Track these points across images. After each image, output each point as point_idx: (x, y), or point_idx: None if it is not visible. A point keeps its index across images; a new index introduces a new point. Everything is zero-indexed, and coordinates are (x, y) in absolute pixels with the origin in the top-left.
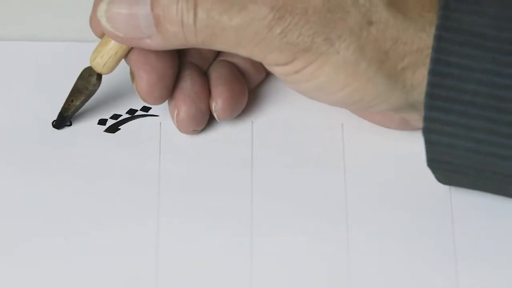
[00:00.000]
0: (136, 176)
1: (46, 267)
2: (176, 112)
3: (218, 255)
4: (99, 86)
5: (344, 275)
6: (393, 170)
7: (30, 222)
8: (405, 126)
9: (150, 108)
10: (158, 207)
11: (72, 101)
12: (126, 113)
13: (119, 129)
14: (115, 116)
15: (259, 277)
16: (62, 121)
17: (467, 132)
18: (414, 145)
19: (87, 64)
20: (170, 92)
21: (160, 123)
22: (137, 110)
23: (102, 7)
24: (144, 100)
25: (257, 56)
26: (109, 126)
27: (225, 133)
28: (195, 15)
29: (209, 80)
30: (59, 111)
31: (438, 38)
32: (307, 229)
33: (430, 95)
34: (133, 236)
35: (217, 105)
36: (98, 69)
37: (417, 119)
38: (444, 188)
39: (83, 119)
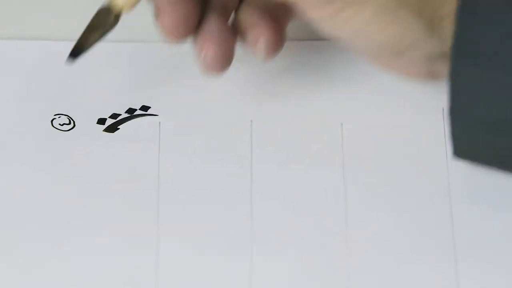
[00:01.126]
0: (135, 175)
1: (45, 267)
2: (204, 52)
3: (218, 255)
4: (116, 25)
5: (344, 275)
6: (393, 169)
7: (29, 222)
8: (430, 77)
9: (149, 107)
10: (157, 207)
11: (87, 37)
12: (125, 112)
13: (118, 128)
14: (114, 116)
15: (259, 277)
16: (76, 54)
17: (493, 83)
18: (414, 144)
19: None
20: (194, 30)
21: (159, 122)
22: (136, 110)
23: None
24: (167, 37)
25: None
26: (108, 126)
27: (224, 132)
28: None
29: (240, 22)
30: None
31: None
32: (307, 228)
33: (456, 45)
34: (133, 236)
35: (264, 38)
36: (117, 7)
37: (446, 71)
38: (444, 187)
39: (82, 118)
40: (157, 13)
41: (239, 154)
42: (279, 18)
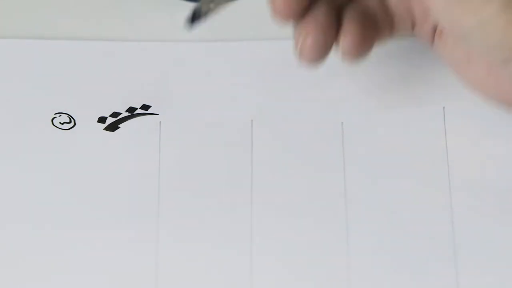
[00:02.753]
0: (135, 174)
1: (45, 266)
2: (302, 38)
3: (218, 254)
4: None
5: (344, 275)
6: (393, 169)
7: (29, 221)
8: None
9: (150, 106)
10: (157, 206)
11: (211, 3)
12: (126, 111)
13: (119, 127)
14: (114, 114)
15: (259, 277)
16: (196, 20)
17: None
18: (415, 143)
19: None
20: (303, 11)
21: (160, 122)
22: (136, 109)
23: None
24: (277, 13)
25: None
26: (108, 124)
27: (225, 131)
28: None
29: (341, 17)
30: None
31: None
32: (307, 228)
33: None
34: (133, 235)
35: (345, 39)
36: None
37: None
38: (444, 187)
39: (83, 117)
40: None
41: (239, 154)
42: (375, 25)
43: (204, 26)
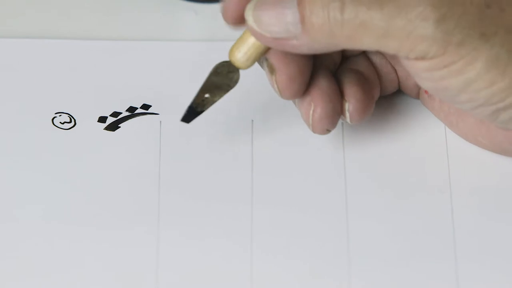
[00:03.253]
0: (136, 173)
1: (45, 265)
2: (312, 110)
3: (219, 254)
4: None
5: (344, 275)
6: (393, 168)
7: (29, 220)
8: None
9: (150, 106)
10: (158, 205)
11: (207, 96)
12: (126, 111)
13: (119, 127)
14: (115, 114)
15: (260, 277)
16: (193, 115)
17: None
18: (415, 143)
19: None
20: (306, 88)
21: (160, 121)
22: (137, 108)
23: (250, 7)
24: (281, 94)
25: (404, 49)
26: (109, 124)
27: (225, 131)
28: (342, 8)
29: (339, 83)
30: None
31: None
32: (307, 229)
33: None
34: (133, 234)
35: (351, 105)
36: (238, 64)
37: None
38: (444, 187)
39: (83, 116)
40: (272, 71)
41: (239, 153)
42: (373, 83)
43: (204, 26)
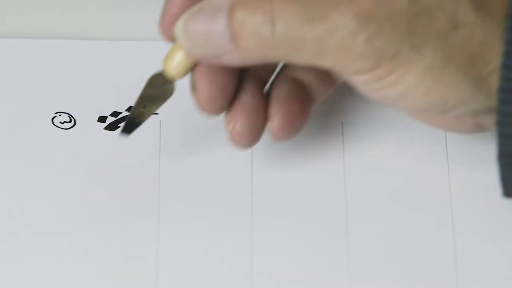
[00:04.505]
0: (135, 174)
1: (45, 265)
2: (232, 125)
3: (218, 254)
4: (172, 94)
5: (344, 276)
6: (393, 169)
7: (29, 220)
8: (478, 129)
9: None
10: (158, 206)
11: (145, 107)
12: (126, 110)
13: (119, 126)
14: (114, 114)
15: (260, 277)
16: (132, 128)
17: None
18: (415, 143)
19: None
20: (229, 104)
21: (160, 121)
22: None
23: (180, 24)
24: (202, 111)
25: (339, 66)
26: (108, 124)
27: (225, 131)
28: (273, 27)
29: (268, 97)
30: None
31: (510, 31)
32: (307, 229)
33: (504, 89)
34: (133, 234)
35: (273, 123)
36: (172, 75)
37: (492, 122)
38: (444, 188)
39: (83, 116)
40: (194, 87)
41: (239, 154)
42: (315, 87)
43: None
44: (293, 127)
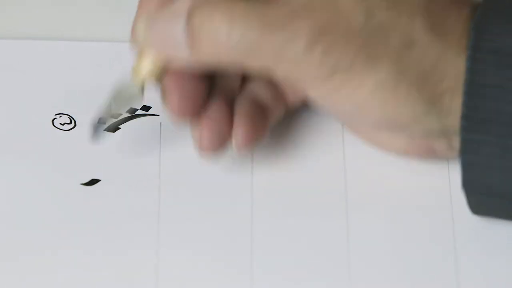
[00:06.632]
0: (136, 175)
1: (45, 266)
2: (199, 135)
3: (218, 254)
4: (142, 95)
5: (345, 276)
6: (393, 170)
7: (29, 221)
8: (430, 154)
9: (151, 107)
10: (158, 207)
11: (113, 112)
12: (126, 112)
13: (119, 128)
14: (115, 115)
15: (260, 277)
16: (100, 130)
17: (505, 152)
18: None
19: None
20: (198, 112)
21: (161, 122)
22: (137, 110)
23: (140, 25)
24: (173, 117)
25: (293, 77)
26: (109, 125)
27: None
28: (230, 31)
29: (235, 110)
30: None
31: (471, 59)
32: (307, 229)
33: (466, 117)
34: (133, 236)
35: (237, 136)
36: (140, 79)
37: (445, 147)
38: (444, 188)
39: (83, 117)
40: (164, 94)
41: (239, 153)
42: (270, 107)
43: None
44: (254, 140)
